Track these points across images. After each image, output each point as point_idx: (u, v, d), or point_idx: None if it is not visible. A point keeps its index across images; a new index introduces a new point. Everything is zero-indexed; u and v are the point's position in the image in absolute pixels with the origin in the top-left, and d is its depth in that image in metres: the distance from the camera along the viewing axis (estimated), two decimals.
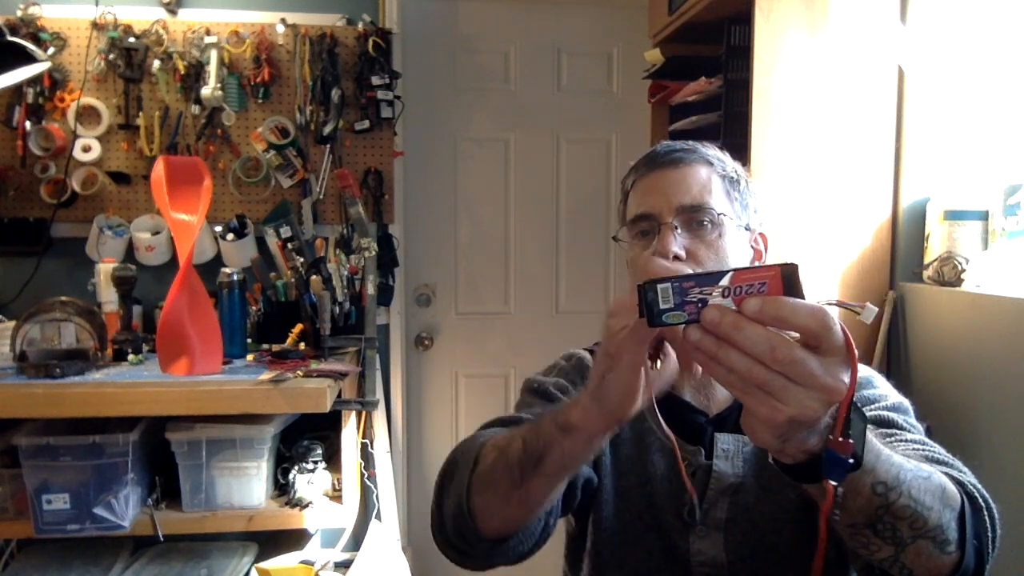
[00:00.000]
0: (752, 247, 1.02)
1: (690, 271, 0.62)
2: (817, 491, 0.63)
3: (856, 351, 0.55)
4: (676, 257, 0.93)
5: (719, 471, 0.94)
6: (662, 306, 0.56)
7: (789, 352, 0.53)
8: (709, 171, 0.98)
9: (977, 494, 0.74)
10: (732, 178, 1.00)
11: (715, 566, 0.95)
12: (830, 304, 0.55)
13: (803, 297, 0.54)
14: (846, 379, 0.54)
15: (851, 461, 0.58)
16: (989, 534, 0.73)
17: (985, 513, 0.73)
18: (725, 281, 0.55)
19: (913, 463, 0.69)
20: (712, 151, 1.02)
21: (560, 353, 1.13)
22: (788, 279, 0.54)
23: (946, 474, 0.72)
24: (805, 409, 0.54)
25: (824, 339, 0.53)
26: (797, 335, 0.54)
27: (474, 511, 0.80)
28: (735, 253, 0.97)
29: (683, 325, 0.57)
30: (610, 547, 0.99)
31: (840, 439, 0.57)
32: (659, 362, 0.68)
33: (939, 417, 1.59)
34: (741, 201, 1.00)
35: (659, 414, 0.71)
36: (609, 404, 0.67)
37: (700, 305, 0.55)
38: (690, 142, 1.03)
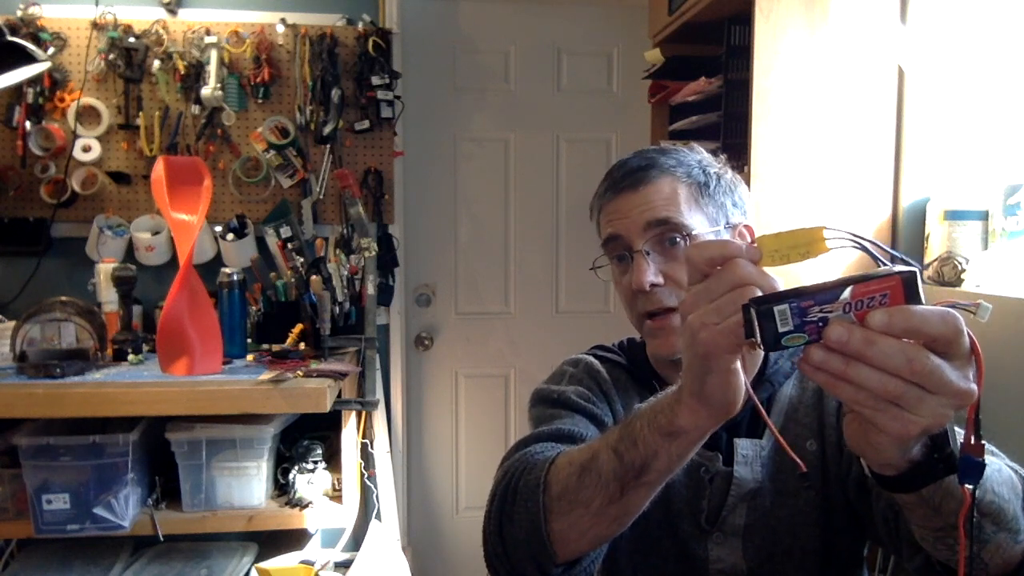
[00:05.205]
0: None
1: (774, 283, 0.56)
2: (914, 500, 0.62)
3: (981, 351, 0.53)
4: (654, 285, 0.93)
5: (740, 477, 0.93)
6: (781, 329, 0.52)
7: (927, 362, 0.50)
8: (672, 182, 0.96)
9: None
10: (700, 182, 0.97)
11: (734, 573, 0.94)
12: (945, 306, 0.52)
13: (922, 303, 0.51)
14: (974, 382, 0.53)
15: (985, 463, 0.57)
16: None
17: None
18: (846, 295, 0.52)
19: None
20: (672, 158, 0.98)
21: (561, 358, 1.12)
22: (910, 287, 0.51)
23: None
24: (938, 418, 0.52)
25: (955, 344, 0.51)
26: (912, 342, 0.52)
27: (553, 535, 0.76)
28: None
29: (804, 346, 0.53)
30: (626, 554, 0.98)
31: (972, 442, 0.56)
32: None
33: None
34: (715, 202, 0.97)
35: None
36: (716, 403, 0.64)
37: (820, 324, 0.52)
38: (649, 154, 1.00)
